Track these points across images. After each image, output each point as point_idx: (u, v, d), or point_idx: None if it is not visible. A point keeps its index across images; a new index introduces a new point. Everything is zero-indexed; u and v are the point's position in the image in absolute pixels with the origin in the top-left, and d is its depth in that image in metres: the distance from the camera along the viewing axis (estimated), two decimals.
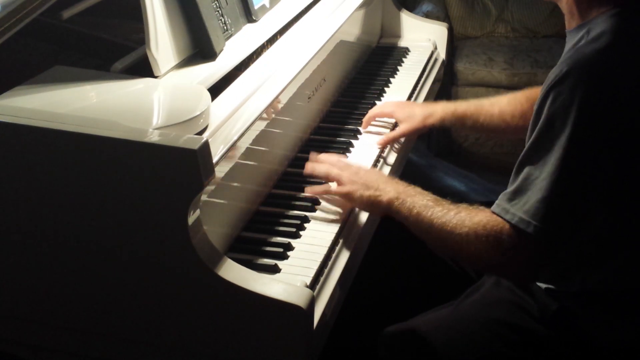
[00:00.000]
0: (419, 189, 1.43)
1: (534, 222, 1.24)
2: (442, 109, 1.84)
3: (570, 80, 1.23)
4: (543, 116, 1.27)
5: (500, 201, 1.30)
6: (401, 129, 1.85)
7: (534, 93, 1.79)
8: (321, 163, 1.57)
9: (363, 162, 1.74)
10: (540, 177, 1.25)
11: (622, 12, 1.29)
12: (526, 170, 1.28)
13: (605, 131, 1.24)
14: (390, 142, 1.84)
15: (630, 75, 1.25)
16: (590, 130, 1.23)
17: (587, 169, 1.25)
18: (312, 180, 1.64)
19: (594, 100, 1.22)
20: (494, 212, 1.30)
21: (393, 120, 1.91)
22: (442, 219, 1.34)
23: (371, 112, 1.91)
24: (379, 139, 1.83)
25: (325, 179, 1.55)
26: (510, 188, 1.30)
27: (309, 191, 1.54)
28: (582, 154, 1.24)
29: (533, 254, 1.27)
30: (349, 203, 1.52)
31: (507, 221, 1.27)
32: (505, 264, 1.31)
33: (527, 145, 1.30)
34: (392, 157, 1.85)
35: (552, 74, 1.27)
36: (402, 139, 1.89)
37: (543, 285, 1.44)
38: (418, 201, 1.39)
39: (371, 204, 1.46)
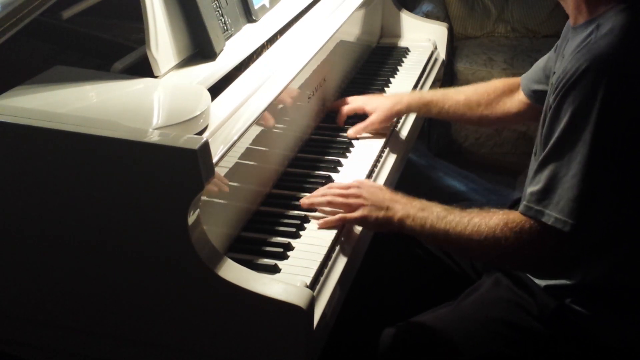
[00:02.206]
0: (424, 202, 1.44)
1: (570, 221, 1.26)
2: (409, 96, 1.92)
3: (590, 76, 1.24)
4: (565, 114, 1.27)
5: (530, 203, 1.31)
6: (371, 118, 1.88)
7: (501, 84, 1.84)
8: (320, 197, 1.52)
9: (364, 161, 1.74)
10: (568, 175, 1.27)
11: (631, 7, 1.30)
12: (551, 168, 1.29)
13: (629, 123, 1.25)
14: (363, 131, 1.86)
15: None
16: (615, 123, 1.25)
17: (615, 162, 1.26)
18: (312, 181, 1.64)
19: (616, 93, 1.24)
20: (524, 215, 1.32)
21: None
22: (457, 227, 1.37)
23: (343, 109, 1.92)
24: (351, 130, 1.85)
25: (330, 207, 1.51)
26: (536, 187, 1.31)
27: (323, 226, 1.47)
28: (609, 148, 1.25)
29: (564, 249, 1.30)
30: (363, 226, 1.51)
31: (542, 222, 1.29)
32: (529, 260, 1.35)
33: (546, 143, 1.31)
34: (396, 148, 1.87)
35: (568, 72, 1.27)
36: (402, 135, 1.93)
37: (542, 283, 1.44)
38: (429, 214, 1.40)
39: (383, 225, 1.46)
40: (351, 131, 1.85)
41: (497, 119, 1.83)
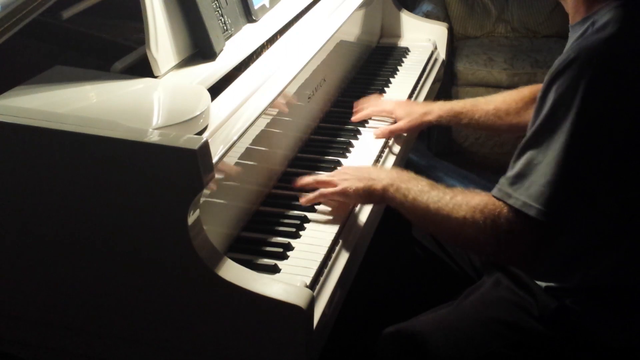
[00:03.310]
0: (412, 174, 1.46)
1: (536, 206, 1.26)
2: (439, 107, 1.90)
3: (575, 67, 1.25)
4: (548, 102, 1.28)
5: (502, 185, 1.32)
6: (400, 124, 1.89)
7: (528, 91, 1.82)
8: (311, 184, 1.56)
9: (364, 161, 1.74)
10: (544, 162, 1.27)
11: (627, 3, 1.31)
12: (528, 154, 1.30)
13: (609, 117, 1.25)
14: (389, 135, 1.87)
15: (635, 62, 1.27)
16: (595, 115, 1.25)
17: (591, 154, 1.26)
18: None
19: (599, 86, 1.24)
20: (494, 196, 1.32)
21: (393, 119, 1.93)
22: (438, 203, 1.37)
23: (370, 109, 1.93)
24: (378, 131, 1.86)
25: (318, 186, 1.55)
26: (511, 172, 1.32)
27: (304, 201, 1.52)
28: (587, 138, 1.26)
29: (534, 237, 1.29)
30: (346, 200, 1.52)
31: (510, 205, 1.29)
32: (503, 248, 1.33)
33: (529, 131, 1.32)
34: (396, 148, 1.88)
35: (557, 62, 1.29)
36: (402, 135, 1.92)
37: (543, 284, 1.44)
38: (413, 187, 1.41)
39: (366, 195, 1.47)
40: (378, 132, 1.86)
41: (526, 127, 1.83)
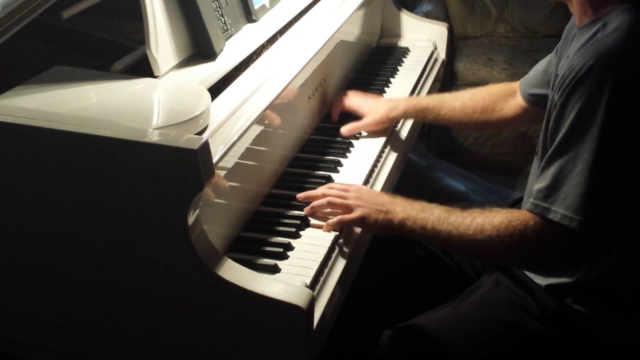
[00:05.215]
0: (425, 203, 1.44)
1: (577, 217, 1.26)
2: (405, 103, 1.91)
3: (597, 73, 1.25)
4: (571, 111, 1.28)
5: (537, 200, 1.32)
6: (365, 120, 1.87)
7: (497, 90, 1.83)
8: (319, 198, 1.52)
9: (364, 161, 1.74)
10: (575, 171, 1.27)
11: (635, 6, 1.31)
12: (557, 165, 1.30)
13: (635, 120, 1.26)
14: (355, 131, 1.85)
15: None
16: (622, 120, 1.25)
17: (621, 159, 1.27)
18: (312, 181, 1.64)
19: (623, 91, 1.24)
20: (532, 212, 1.32)
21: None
22: (460, 228, 1.36)
23: (339, 104, 1.93)
24: (344, 129, 1.84)
25: (331, 208, 1.51)
26: (542, 184, 1.31)
27: (325, 229, 1.46)
28: (616, 144, 1.26)
29: (567, 246, 1.30)
30: (362, 227, 1.49)
31: (548, 219, 1.29)
32: (532, 259, 1.35)
33: (552, 141, 1.32)
34: (396, 149, 1.87)
35: (574, 68, 1.28)
36: (402, 135, 1.93)
37: (543, 283, 1.44)
38: (429, 216, 1.40)
39: (383, 227, 1.44)
40: (344, 129, 1.85)
41: (493, 124, 1.84)
